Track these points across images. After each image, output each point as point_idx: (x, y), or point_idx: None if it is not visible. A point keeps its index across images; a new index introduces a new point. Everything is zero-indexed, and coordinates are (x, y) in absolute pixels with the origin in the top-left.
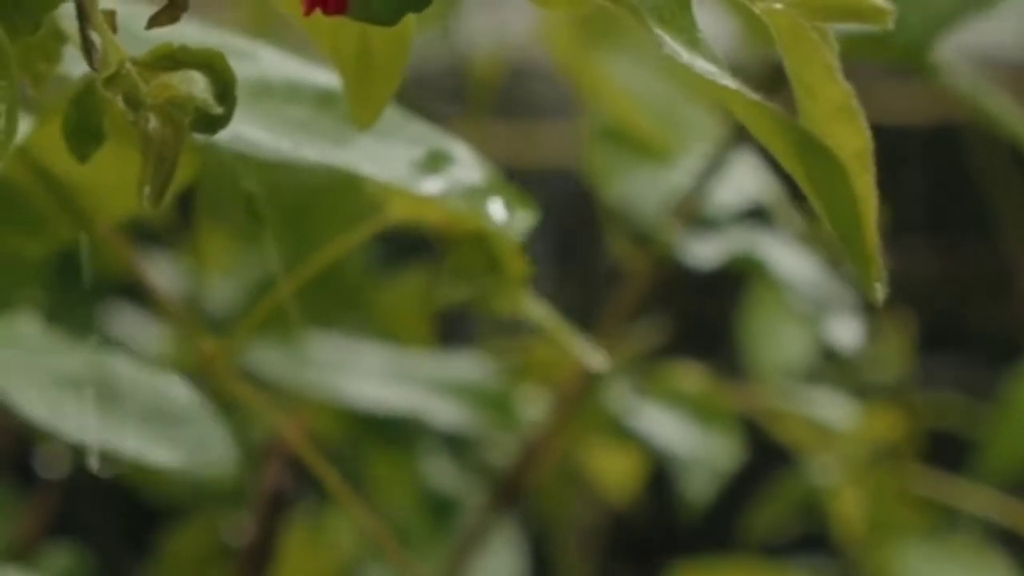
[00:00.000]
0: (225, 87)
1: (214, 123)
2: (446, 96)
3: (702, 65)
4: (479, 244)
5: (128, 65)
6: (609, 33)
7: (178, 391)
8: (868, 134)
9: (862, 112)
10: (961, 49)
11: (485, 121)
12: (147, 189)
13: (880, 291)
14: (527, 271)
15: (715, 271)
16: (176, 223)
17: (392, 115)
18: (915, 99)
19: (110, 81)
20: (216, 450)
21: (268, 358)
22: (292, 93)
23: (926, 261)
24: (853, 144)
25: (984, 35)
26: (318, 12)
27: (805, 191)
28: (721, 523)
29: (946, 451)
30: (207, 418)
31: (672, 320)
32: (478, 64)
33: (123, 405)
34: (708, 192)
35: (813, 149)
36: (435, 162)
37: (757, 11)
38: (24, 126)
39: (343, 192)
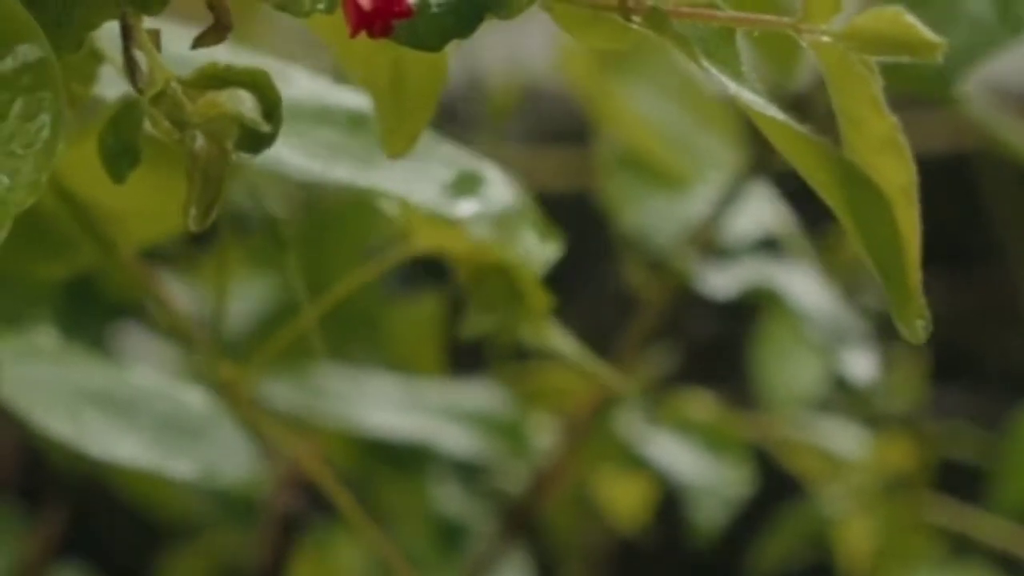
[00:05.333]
0: (271, 105)
1: (260, 141)
2: (461, 120)
3: (748, 96)
4: (502, 274)
5: (174, 84)
6: (626, 60)
7: (196, 402)
8: (913, 169)
9: (908, 146)
10: (973, 79)
11: (500, 146)
12: (192, 209)
13: (921, 329)
14: (550, 301)
15: (728, 299)
16: (188, 247)
17: (423, 137)
18: (928, 129)
19: (156, 99)
20: (235, 461)
21: (280, 387)
22: (324, 115)
23: (939, 291)
24: (898, 178)
25: (995, 64)
26: (357, 40)
27: (844, 225)
28: (731, 552)
29: (958, 481)
30: (225, 428)
31: (684, 348)
32: (494, 89)
33: (142, 417)
34: (724, 222)
35: (857, 182)
36: (467, 184)
37: (804, 44)
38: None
39: (363, 220)
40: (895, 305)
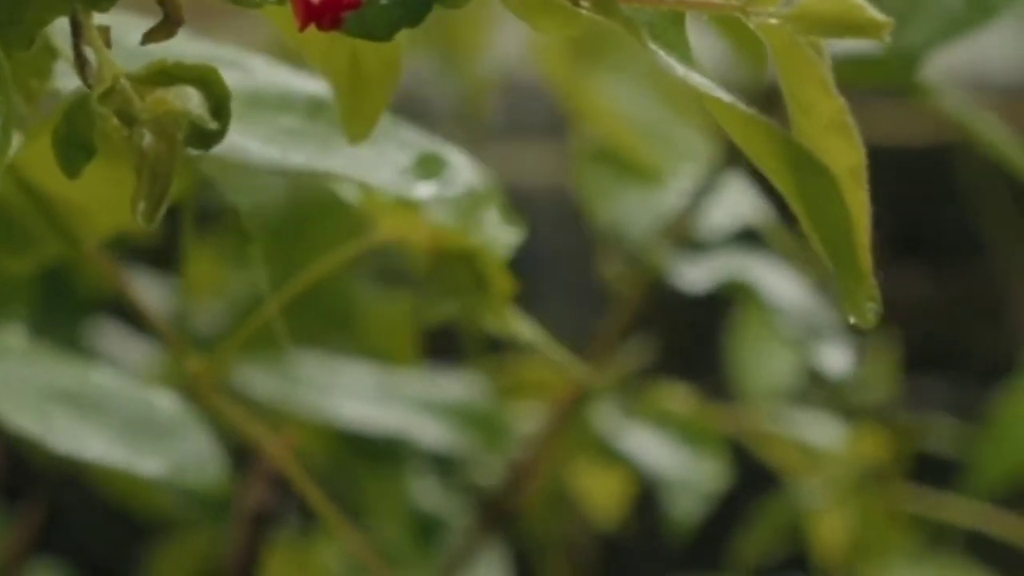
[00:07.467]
0: (219, 102)
1: (209, 139)
2: (437, 115)
3: (696, 79)
4: (465, 261)
5: (123, 80)
6: (600, 53)
7: (165, 403)
8: (862, 150)
9: (856, 127)
10: (952, 71)
11: (475, 140)
12: (141, 205)
13: (871, 312)
14: (513, 288)
15: (702, 293)
16: (161, 241)
17: (383, 121)
18: (906, 120)
19: (104, 96)
20: (204, 460)
21: (255, 377)
22: (283, 102)
23: (915, 281)
24: (847, 159)
25: (975, 57)
26: (310, 29)
27: (794, 208)
28: (708, 545)
29: (933, 473)
30: (194, 429)
31: (660, 341)
32: (469, 83)
33: (110, 416)
34: (699, 214)
35: (806, 165)
36: (428, 166)
37: (752, 26)
38: (13, 142)
39: (330, 211)
40: (844, 288)
